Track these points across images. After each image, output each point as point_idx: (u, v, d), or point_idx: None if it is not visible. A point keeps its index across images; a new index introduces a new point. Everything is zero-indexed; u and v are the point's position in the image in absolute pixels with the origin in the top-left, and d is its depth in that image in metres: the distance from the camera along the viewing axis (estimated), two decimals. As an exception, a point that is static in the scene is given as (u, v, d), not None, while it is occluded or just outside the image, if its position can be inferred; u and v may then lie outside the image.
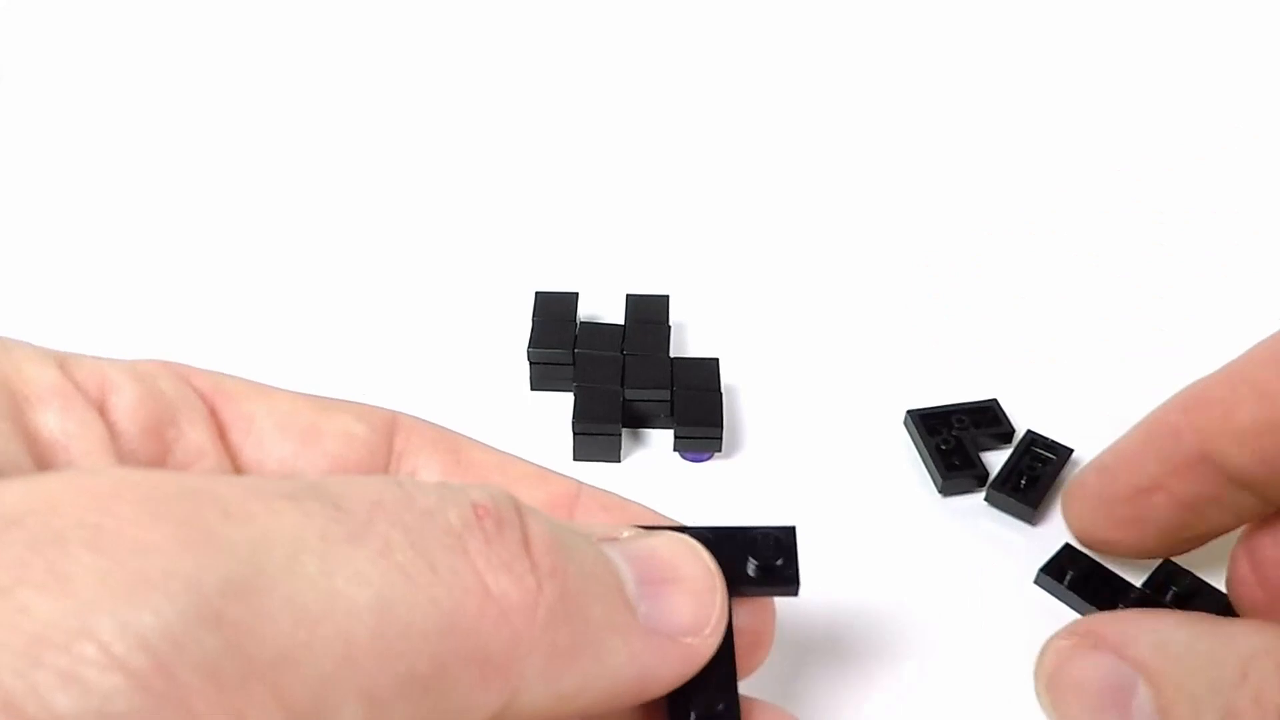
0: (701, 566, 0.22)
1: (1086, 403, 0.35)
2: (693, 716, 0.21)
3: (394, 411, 0.25)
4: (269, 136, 0.44)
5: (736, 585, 0.22)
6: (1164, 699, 0.22)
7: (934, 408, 0.34)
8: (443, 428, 0.25)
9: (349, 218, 0.41)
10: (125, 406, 0.21)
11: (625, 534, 0.22)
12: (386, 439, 0.24)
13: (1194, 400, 0.26)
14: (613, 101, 0.46)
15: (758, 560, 0.23)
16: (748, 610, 0.23)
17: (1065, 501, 0.30)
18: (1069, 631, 0.25)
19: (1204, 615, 0.24)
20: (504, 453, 0.25)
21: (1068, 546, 0.30)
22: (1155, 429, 0.27)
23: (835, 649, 0.29)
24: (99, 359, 0.22)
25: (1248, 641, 0.22)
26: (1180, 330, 0.37)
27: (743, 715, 0.22)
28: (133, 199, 0.42)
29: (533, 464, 0.25)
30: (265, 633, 0.15)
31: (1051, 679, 0.24)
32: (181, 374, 0.23)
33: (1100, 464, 0.29)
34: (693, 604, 0.21)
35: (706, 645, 0.21)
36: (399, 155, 0.44)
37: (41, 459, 0.20)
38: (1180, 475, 0.26)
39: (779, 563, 0.23)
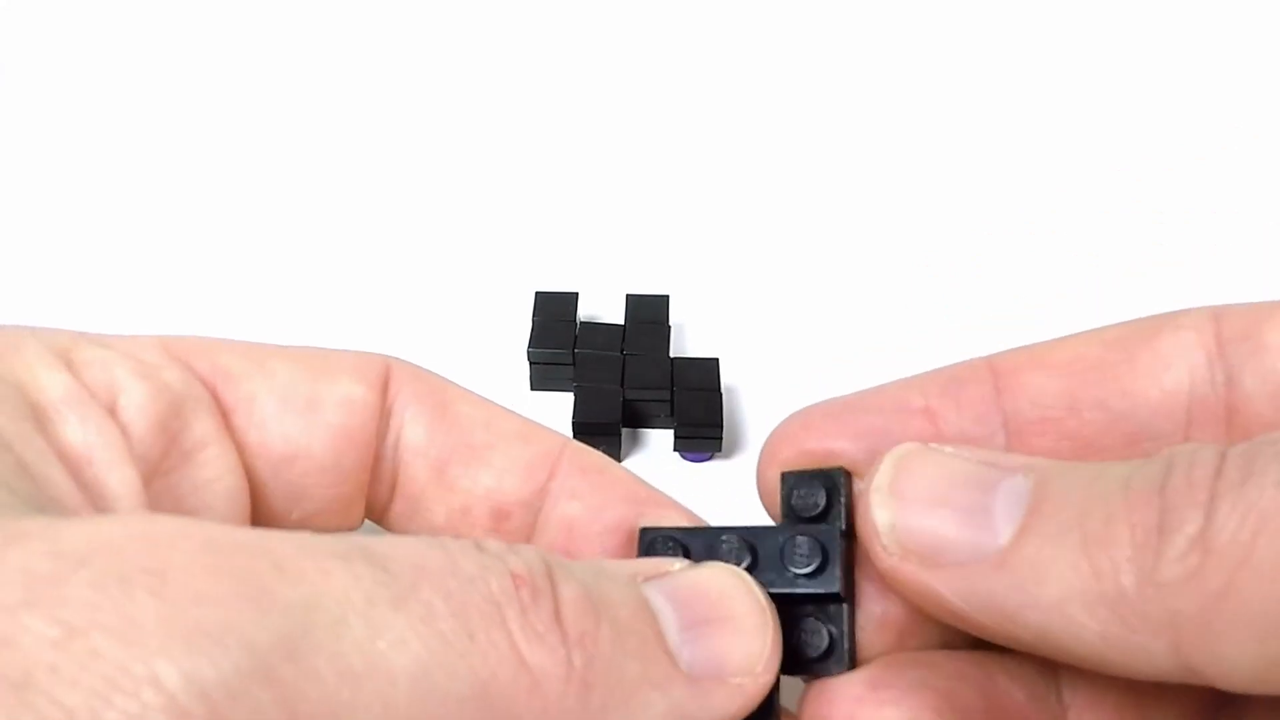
0: (753, 602, 0.21)
1: (1086, 403, 0.35)
2: None
3: (386, 360, 0.24)
4: (269, 137, 0.44)
5: (777, 589, 0.22)
6: (1048, 475, 0.19)
7: (934, 408, 0.34)
8: (434, 376, 0.25)
9: (349, 218, 0.41)
10: (134, 406, 0.21)
11: (676, 566, 0.21)
12: (383, 395, 0.24)
13: (1004, 352, 0.24)
14: (613, 102, 0.46)
15: (795, 567, 0.22)
16: None
17: (794, 416, 0.24)
18: (938, 444, 0.21)
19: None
20: (491, 406, 0.25)
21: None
22: (948, 368, 0.24)
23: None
24: (102, 351, 0.22)
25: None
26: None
27: None
28: (135, 203, 0.42)
29: (519, 419, 0.25)
30: (312, 691, 0.16)
31: (905, 455, 0.21)
32: (183, 357, 0.23)
33: (864, 390, 0.24)
34: (743, 643, 0.21)
35: (759, 684, 0.20)
36: (399, 155, 0.44)
37: (70, 473, 0.20)
38: (956, 405, 0.23)
39: (816, 568, 0.22)
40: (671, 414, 0.34)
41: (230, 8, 0.50)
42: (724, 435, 0.33)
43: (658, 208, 0.42)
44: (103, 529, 0.17)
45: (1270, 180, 0.43)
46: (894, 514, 0.20)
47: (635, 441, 0.34)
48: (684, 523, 0.24)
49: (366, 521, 0.25)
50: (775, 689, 0.21)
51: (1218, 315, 0.22)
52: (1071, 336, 0.23)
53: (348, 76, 0.47)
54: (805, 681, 0.22)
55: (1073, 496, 0.19)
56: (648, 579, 0.20)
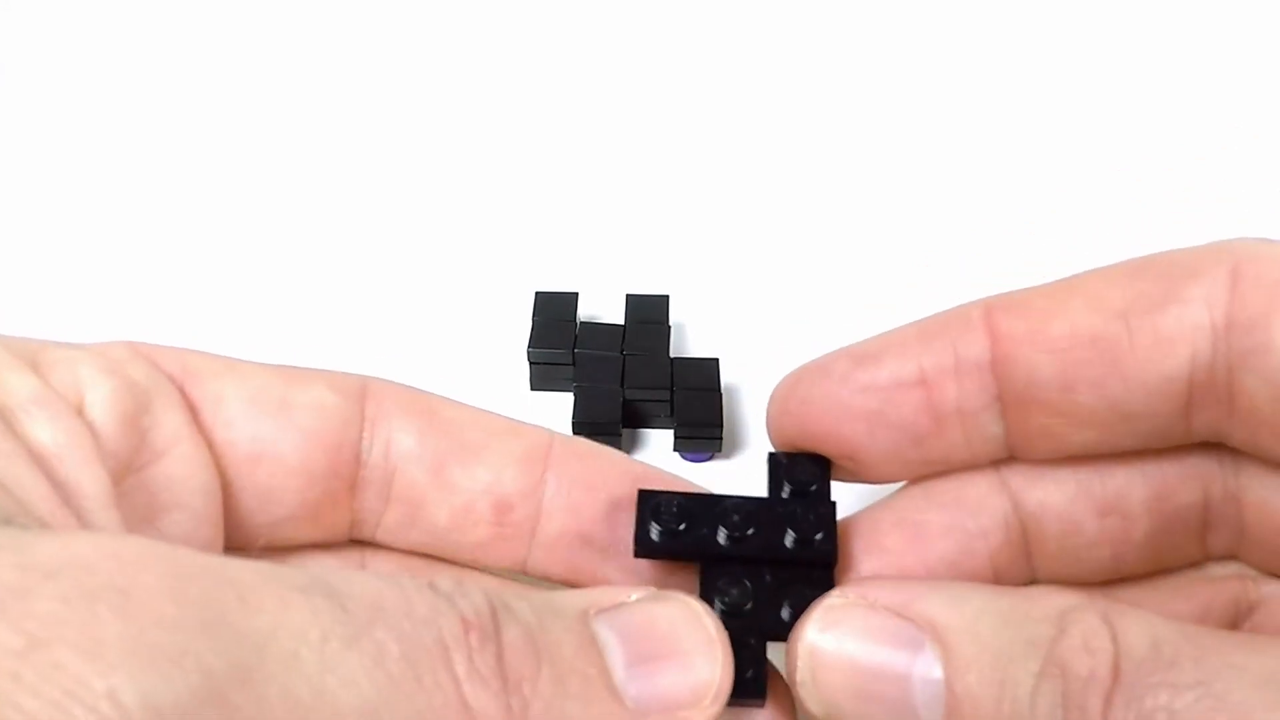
0: (703, 634, 0.21)
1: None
2: None
3: (364, 377, 0.25)
4: (268, 140, 0.44)
5: (773, 555, 0.23)
6: (957, 661, 0.20)
7: (934, 408, 0.34)
8: (414, 389, 0.25)
9: (349, 218, 0.41)
10: (101, 403, 0.21)
11: (634, 597, 0.21)
12: (358, 405, 0.24)
13: (1001, 301, 0.23)
14: (613, 102, 0.46)
15: (796, 533, 0.23)
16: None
17: (786, 386, 0.24)
18: (838, 592, 0.21)
19: (992, 585, 0.22)
20: (477, 409, 0.25)
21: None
22: (945, 321, 0.23)
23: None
24: (68, 351, 0.22)
25: (1057, 599, 0.20)
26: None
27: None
28: (133, 210, 0.42)
29: (505, 418, 0.25)
30: (261, 718, 0.16)
31: (812, 654, 0.21)
32: (149, 357, 0.23)
33: (859, 349, 0.24)
34: (690, 678, 0.21)
35: (707, 715, 0.21)
36: (399, 155, 0.44)
37: (41, 472, 0.20)
38: (953, 375, 0.23)
39: (818, 536, 0.23)
40: (671, 414, 0.34)
41: (229, 7, 0.50)
42: (724, 435, 0.33)
43: (658, 208, 0.42)
44: (72, 545, 0.17)
45: (1270, 180, 0.43)
46: (829, 712, 0.21)
47: (635, 441, 0.34)
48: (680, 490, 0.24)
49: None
50: (764, 662, 0.22)
51: (1234, 277, 0.21)
52: (1072, 292, 0.23)
53: (347, 78, 0.47)
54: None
55: (983, 706, 0.19)
56: (600, 611, 0.21)
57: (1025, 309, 0.23)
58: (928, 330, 0.24)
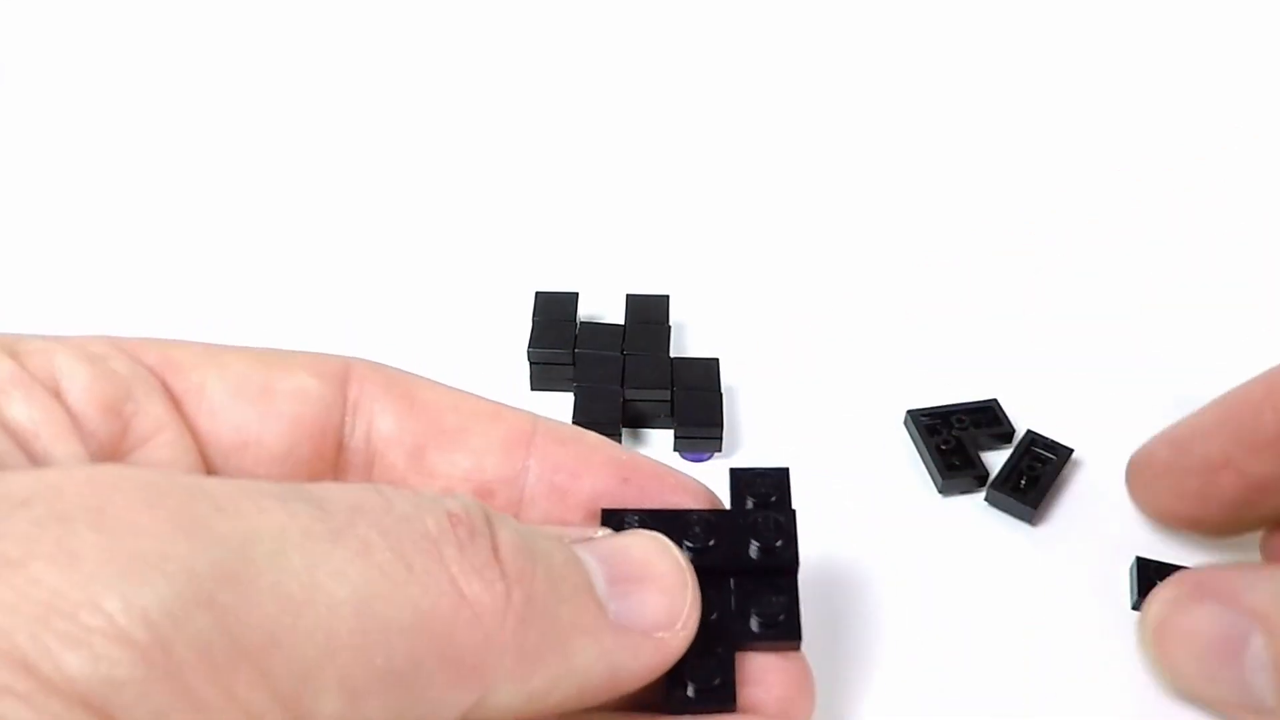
0: (672, 562, 0.22)
1: (1086, 403, 0.35)
2: (689, 688, 0.22)
3: (346, 359, 0.25)
4: (267, 139, 0.44)
5: (738, 565, 0.23)
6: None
7: (934, 408, 0.34)
8: (395, 370, 0.25)
9: (349, 218, 0.41)
10: (79, 390, 0.21)
11: (600, 534, 0.22)
12: (341, 389, 0.24)
13: (1278, 378, 0.26)
14: (613, 102, 0.46)
15: (759, 542, 0.23)
16: (783, 678, 0.23)
17: (1132, 471, 0.30)
18: (1175, 582, 0.25)
19: None
20: (458, 391, 0.25)
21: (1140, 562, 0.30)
22: (1233, 404, 0.27)
23: (834, 649, 0.28)
24: (46, 342, 0.22)
25: None
26: (1181, 330, 0.37)
27: (755, 674, 0.23)
28: (130, 205, 0.42)
29: (488, 401, 0.25)
30: (253, 617, 0.16)
31: (1159, 629, 0.24)
32: (129, 350, 0.23)
33: (1172, 436, 0.29)
34: (664, 600, 0.22)
35: (679, 639, 0.22)
36: (399, 155, 0.44)
37: (17, 445, 0.20)
38: (1254, 453, 0.26)
39: (779, 544, 0.23)
40: (671, 414, 0.34)
41: (228, 7, 0.50)
42: (724, 435, 0.33)
43: (658, 208, 0.42)
44: (44, 475, 0.17)
45: (1270, 180, 0.43)
46: (1177, 683, 0.26)
47: (635, 441, 0.34)
48: (666, 477, 0.25)
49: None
50: (732, 670, 0.22)
51: None
52: None
53: (347, 78, 0.47)
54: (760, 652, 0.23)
55: None
56: (574, 541, 0.22)
57: None
58: (1222, 413, 0.27)
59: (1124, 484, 0.30)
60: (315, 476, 0.24)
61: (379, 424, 0.24)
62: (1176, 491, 0.28)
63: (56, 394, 0.21)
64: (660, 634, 0.21)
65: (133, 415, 0.22)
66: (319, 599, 0.17)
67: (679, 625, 0.22)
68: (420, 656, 0.18)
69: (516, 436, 0.25)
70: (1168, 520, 0.29)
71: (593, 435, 0.25)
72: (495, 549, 0.19)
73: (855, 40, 0.49)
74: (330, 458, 0.24)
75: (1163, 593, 0.25)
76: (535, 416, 0.25)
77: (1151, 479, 0.29)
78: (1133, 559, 0.29)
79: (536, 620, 0.19)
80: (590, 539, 0.22)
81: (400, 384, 0.25)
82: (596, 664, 0.20)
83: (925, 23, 0.50)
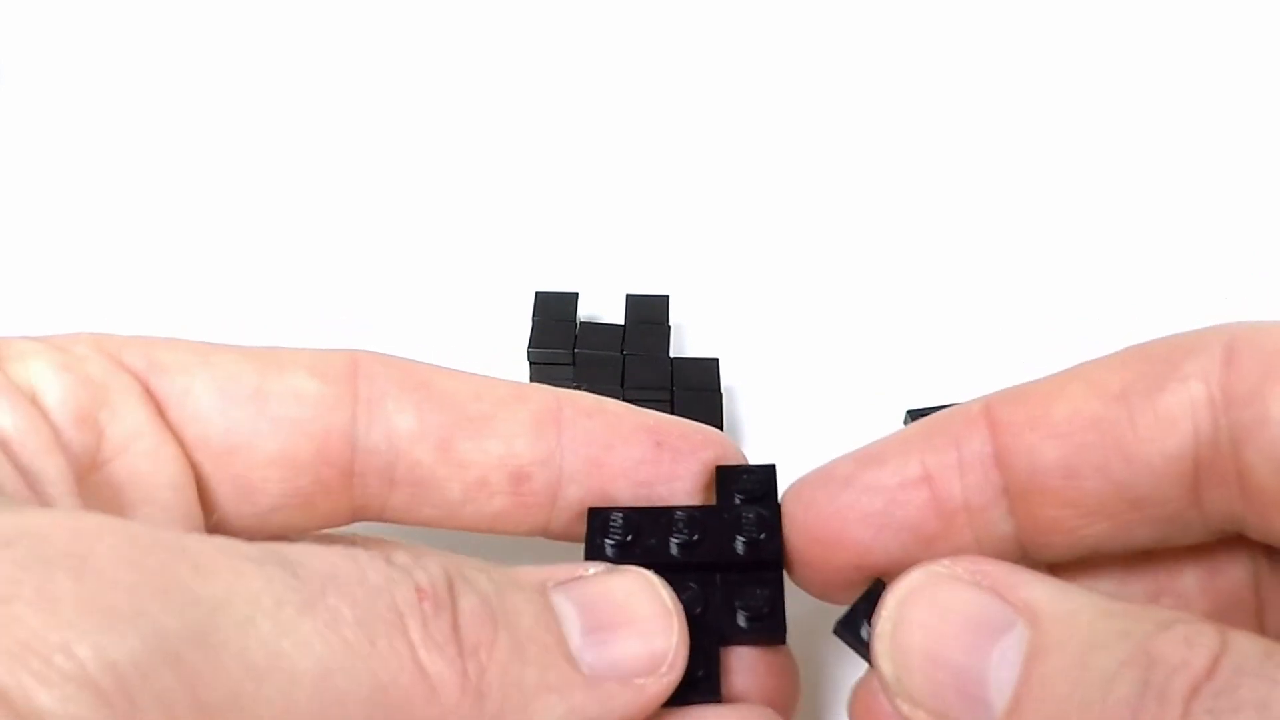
0: (658, 604, 0.22)
1: (1086, 403, 0.35)
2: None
3: (352, 354, 0.24)
4: (267, 138, 0.44)
5: (723, 560, 0.23)
6: (1043, 644, 0.19)
7: (934, 408, 0.34)
8: (406, 361, 0.24)
9: (349, 218, 0.41)
10: (54, 400, 0.21)
11: (591, 571, 0.22)
12: (348, 388, 0.24)
13: (1003, 395, 0.23)
14: (613, 102, 0.46)
15: (743, 537, 0.23)
16: (772, 673, 0.23)
17: (792, 493, 0.24)
18: (947, 561, 0.21)
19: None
20: (475, 375, 0.25)
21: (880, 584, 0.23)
22: (947, 419, 0.23)
23: (831, 649, 0.28)
24: (24, 346, 0.22)
25: (1173, 614, 0.19)
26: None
27: (740, 666, 0.23)
28: (135, 206, 0.42)
29: (506, 382, 0.25)
30: (217, 679, 0.17)
31: (906, 597, 0.21)
32: (112, 352, 0.23)
33: (863, 452, 0.24)
34: (644, 646, 0.21)
35: (661, 684, 0.21)
36: (398, 155, 0.44)
37: (5, 457, 0.20)
38: (956, 471, 0.22)
39: (763, 538, 0.23)
40: (671, 414, 0.34)
41: (227, 6, 0.50)
42: (726, 436, 0.33)
43: (658, 208, 0.42)
44: (29, 517, 0.18)
45: (1270, 180, 0.43)
46: (896, 670, 0.21)
47: (635, 441, 0.34)
48: (694, 435, 0.25)
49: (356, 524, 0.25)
50: (717, 663, 0.22)
51: (1230, 352, 0.21)
52: (1070, 379, 0.22)
53: (346, 78, 0.47)
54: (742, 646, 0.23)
55: (1058, 685, 0.18)
56: (558, 584, 0.21)
57: (1024, 399, 0.23)
58: (930, 429, 0.23)
59: (785, 502, 0.24)
60: (321, 480, 0.24)
61: (398, 421, 0.24)
62: (855, 512, 0.23)
63: (33, 402, 0.21)
64: (639, 680, 0.21)
65: (108, 424, 0.22)
66: (281, 667, 0.17)
67: (663, 670, 0.21)
68: None
69: (544, 415, 0.24)
70: (821, 560, 0.23)
71: (614, 403, 0.25)
72: (455, 620, 0.19)
73: (855, 41, 0.49)
74: (340, 460, 0.23)
75: (929, 564, 0.21)
76: (557, 392, 0.25)
77: (823, 496, 0.23)
78: None
79: (495, 689, 0.19)
80: (579, 578, 0.22)
81: (414, 376, 0.24)
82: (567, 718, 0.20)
83: (925, 23, 0.50)
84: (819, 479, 0.24)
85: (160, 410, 0.23)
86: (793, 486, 0.24)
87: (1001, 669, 0.19)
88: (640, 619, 0.21)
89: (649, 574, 0.22)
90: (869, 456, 0.23)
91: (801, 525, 0.23)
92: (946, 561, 0.21)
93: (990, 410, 0.23)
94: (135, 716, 0.16)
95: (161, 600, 0.17)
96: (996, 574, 0.20)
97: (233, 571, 0.18)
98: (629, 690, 0.21)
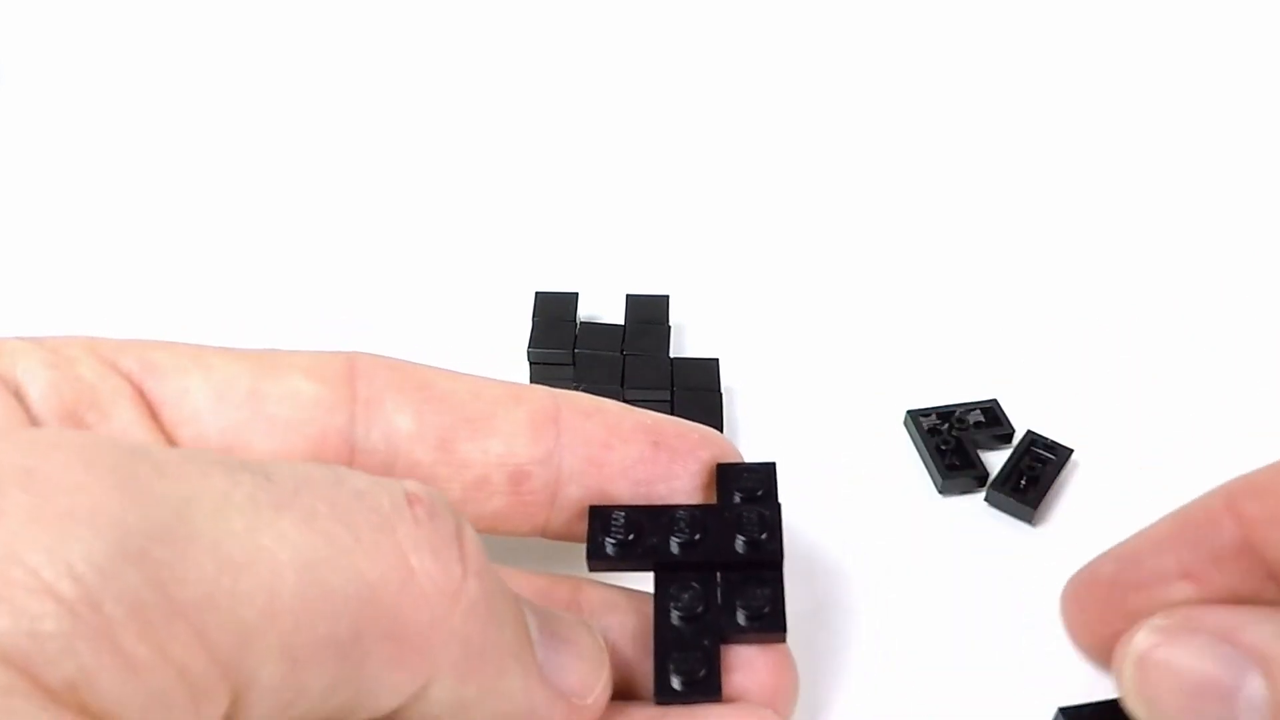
0: (594, 641, 0.22)
1: (1086, 403, 0.35)
2: (676, 681, 0.22)
3: (350, 355, 0.24)
4: (266, 138, 0.44)
5: (723, 559, 0.23)
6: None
7: (934, 408, 0.34)
8: (403, 362, 0.24)
9: (349, 219, 0.41)
10: (37, 395, 0.21)
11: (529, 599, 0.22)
12: (346, 388, 0.23)
13: (1240, 486, 0.23)
14: (612, 102, 0.46)
15: (744, 536, 0.24)
16: (770, 671, 0.23)
17: (1068, 590, 0.25)
18: (1165, 614, 0.22)
19: None
20: (475, 377, 0.25)
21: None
22: (1190, 515, 0.24)
23: (832, 649, 0.29)
24: (10, 344, 0.22)
25: None
26: (1181, 330, 0.37)
27: (739, 664, 0.23)
28: (135, 206, 0.42)
29: (503, 383, 0.25)
30: (189, 575, 0.16)
31: (1142, 661, 0.22)
32: (106, 355, 0.22)
33: (1119, 551, 0.25)
34: (582, 667, 0.21)
35: (588, 711, 0.21)
36: (398, 155, 0.44)
37: None
38: (1214, 565, 0.23)
39: (763, 537, 0.24)
40: (671, 414, 0.34)
41: (227, 7, 0.50)
42: (724, 435, 0.33)
43: (658, 208, 0.42)
44: None
45: (1270, 180, 0.43)
46: (1151, 714, 0.22)
47: (635, 441, 0.34)
48: (690, 434, 0.25)
49: None
50: (717, 661, 0.22)
51: None
52: None
53: (346, 79, 0.47)
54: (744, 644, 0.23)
55: None
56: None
57: (1265, 492, 0.23)
58: (1176, 525, 0.24)
59: (1062, 600, 0.25)
60: None
61: (397, 421, 0.24)
62: (1121, 609, 0.24)
63: (17, 396, 0.21)
64: (575, 698, 0.21)
65: (96, 424, 0.21)
66: (260, 561, 0.16)
67: (590, 699, 0.21)
68: (363, 628, 0.17)
69: (542, 415, 0.24)
70: (1102, 648, 0.25)
71: (612, 403, 0.25)
72: (460, 533, 0.19)
73: (855, 41, 0.49)
74: (338, 461, 0.23)
75: (1152, 621, 0.22)
76: (555, 392, 0.25)
77: (1091, 597, 0.25)
78: None
79: (485, 621, 0.19)
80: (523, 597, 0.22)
81: (413, 377, 0.24)
82: (520, 698, 0.20)
83: (925, 23, 0.50)
84: (1085, 578, 0.25)
85: (155, 413, 0.22)
86: (1065, 587, 0.25)
87: (1251, 710, 0.20)
88: (581, 643, 0.22)
89: (586, 621, 0.23)
90: (1123, 554, 0.24)
91: (1078, 626, 0.25)
92: (1162, 616, 0.22)
93: (1231, 499, 0.23)
94: (102, 622, 0.15)
95: (121, 498, 0.16)
96: (1215, 620, 0.21)
97: (200, 474, 0.17)
98: (564, 703, 0.21)
